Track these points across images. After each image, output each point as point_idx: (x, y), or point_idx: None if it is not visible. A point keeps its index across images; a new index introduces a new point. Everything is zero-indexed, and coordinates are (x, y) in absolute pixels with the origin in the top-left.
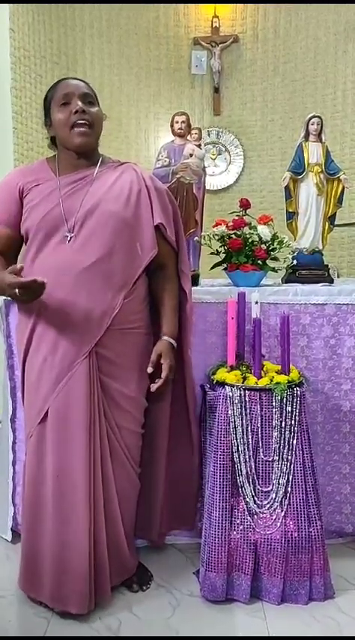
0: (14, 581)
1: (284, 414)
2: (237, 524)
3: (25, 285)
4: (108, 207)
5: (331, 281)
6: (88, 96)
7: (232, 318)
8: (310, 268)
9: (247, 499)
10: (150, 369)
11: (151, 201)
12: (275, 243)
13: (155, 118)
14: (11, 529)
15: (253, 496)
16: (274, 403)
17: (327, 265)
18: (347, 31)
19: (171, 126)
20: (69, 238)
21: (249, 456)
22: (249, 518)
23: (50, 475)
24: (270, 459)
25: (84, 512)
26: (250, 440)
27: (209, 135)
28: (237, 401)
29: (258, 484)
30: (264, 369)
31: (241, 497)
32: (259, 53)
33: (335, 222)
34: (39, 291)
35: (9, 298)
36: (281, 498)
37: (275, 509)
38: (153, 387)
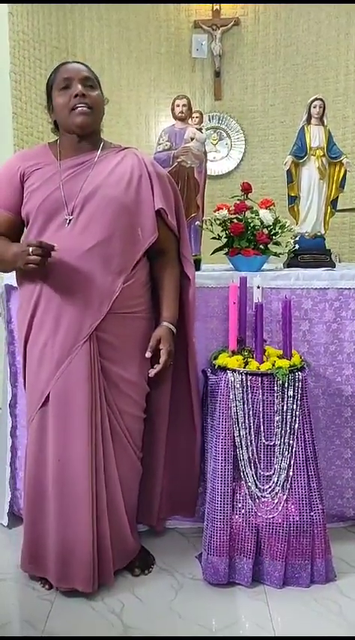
0: (13, 565)
1: (285, 399)
2: (239, 508)
3: (44, 245)
4: (108, 192)
5: (333, 265)
6: (89, 79)
7: (234, 303)
8: (312, 253)
9: (249, 483)
10: (148, 354)
11: (152, 187)
12: (277, 228)
13: (155, 103)
14: (8, 514)
15: (255, 480)
16: (276, 388)
17: (329, 250)
18: (349, 14)
19: (172, 110)
20: (68, 221)
21: (251, 441)
22: (250, 502)
23: (51, 459)
24: (272, 444)
25: (86, 495)
26: (252, 424)
27: (210, 120)
28: (238, 386)
29: (260, 468)
30: (266, 353)
31: (243, 482)
32: (260, 36)
33: (337, 207)
34: (45, 260)
35: (10, 283)
36: (283, 482)
37: (276, 494)
38: (152, 372)
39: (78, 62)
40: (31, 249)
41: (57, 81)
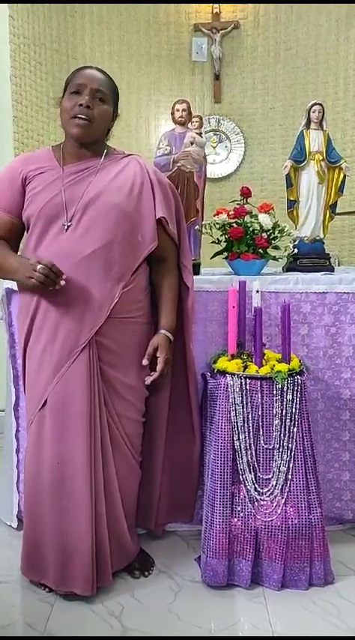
0: (16, 567)
1: (284, 403)
2: (238, 511)
3: (55, 270)
4: (109, 199)
5: (332, 269)
6: (100, 92)
7: (233, 307)
8: (311, 257)
9: (248, 486)
10: (145, 362)
11: (154, 195)
12: (277, 232)
13: (156, 106)
14: (16, 516)
15: (254, 483)
16: (275, 391)
17: (328, 254)
18: (349, 17)
19: (172, 114)
20: (66, 227)
21: (250, 444)
22: (249, 505)
23: (50, 462)
24: (271, 447)
25: (84, 499)
26: (251, 428)
27: (209, 123)
28: (237, 389)
29: (259, 472)
30: (265, 357)
31: (242, 485)
32: (260, 40)
33: (336, 211)
34: (52, 282)
35: (11, 286)
36: (282, 485)
37: (275, 497)
38: (148, 379)
39: (100, 71)
40: (39, 266)
41: (71, 83)
